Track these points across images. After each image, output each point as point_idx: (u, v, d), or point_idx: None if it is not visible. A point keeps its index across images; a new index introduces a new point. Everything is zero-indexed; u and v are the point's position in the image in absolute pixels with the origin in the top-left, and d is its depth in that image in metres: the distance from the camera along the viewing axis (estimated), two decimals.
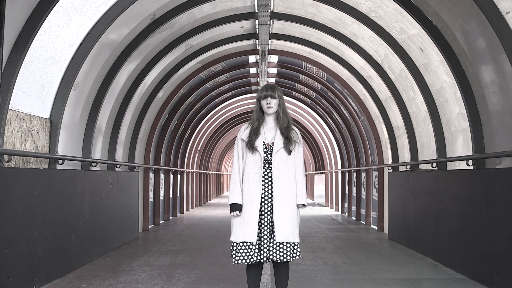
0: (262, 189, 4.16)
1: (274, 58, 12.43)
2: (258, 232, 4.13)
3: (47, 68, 5.87)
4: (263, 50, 11.03)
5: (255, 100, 18.03)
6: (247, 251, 4.11)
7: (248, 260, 4.11)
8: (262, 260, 4.13)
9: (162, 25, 7.83)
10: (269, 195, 4.17)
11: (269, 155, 4.19)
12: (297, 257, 4.19)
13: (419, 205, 7.79)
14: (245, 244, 4.13)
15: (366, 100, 10.99)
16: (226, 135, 24.13)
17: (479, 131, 6.03)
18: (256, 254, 4.12)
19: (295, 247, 4.17)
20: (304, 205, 4.24)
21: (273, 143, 4.21)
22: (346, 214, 14.83)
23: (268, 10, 8.68)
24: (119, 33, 7.20)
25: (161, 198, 12.50)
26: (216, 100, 15.20)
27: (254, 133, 4.23)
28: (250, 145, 4.19)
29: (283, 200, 4.14)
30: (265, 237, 4.13)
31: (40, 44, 5.50)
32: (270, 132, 4.26)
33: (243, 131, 4.29)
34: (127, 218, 8.71)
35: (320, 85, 13.20)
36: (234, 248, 4.17)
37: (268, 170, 4.18)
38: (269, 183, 4.17)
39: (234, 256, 4.15)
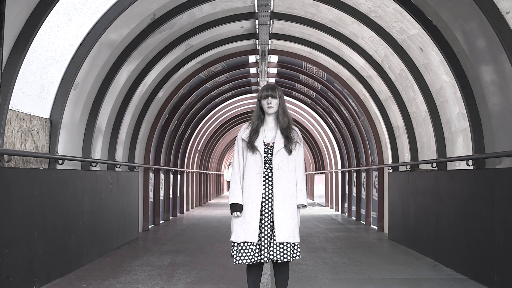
0: (263, 189, 4.16)
1: (274, 58, 12.43)
2: (258, 232, 4.13)
3: (47, 68, 5.87)
4: (263, 50, 11.03)
5: (255, 100, 17.99)
6: (248, 251, 4.11)
7: (249, 260, 4.11)
8: (262, 261, 4.13)
9: (162, 25, 7.83)
10: (270, 195, 4.17)
11: (269, 155, 4.20)
12: (297, 257, 4.20)
13: (419, 205, 7.79)
14: (246, 244, 4.13)
15: (366, 100, 10.99)
16: (226, 135, 24.12)
17: (479, 131, 6.03)
18: (256, 254, 4.12)
19: (295, 247, 4.18)
20: (305, 206, 4.24)
21: (273, 143, 4.21)
22: (346, 214, 14.83)
23: (268, 10, 8.68)
24: (119, 33, 7.20)
25: (161, 198, 12.50)
26: (216, 100, 15.20)
27: (255, 133, 4.23)
28: (251, 145, 4.19)
29: (283, 200, 4.14)
30: (266, 237, 4.13)
31: (40, 44, 5.50)
32: (270, 132, 4.26)
33: (244, 131, 4.29)
34: (127, 218, 8.71)
35: (320, 85, 13.21)
36: (235, 248, 4.17)
37: (268, 170, 4.18)
38: (270, 183, 4.17)
39: (235, 256, 4.15)
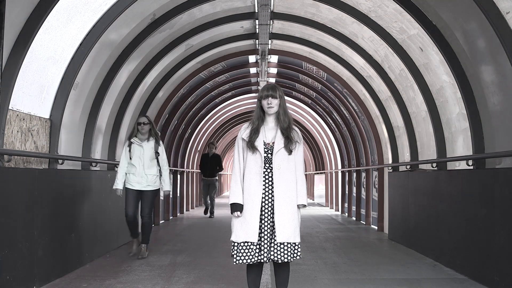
0: (263, 189, 4.16)
1: (274, 58, 12.43)
2: (258, 232, 4.13)
3: (47, 68, 5.87)
4: (263, 50, 11.03)
5: (255, 100, 17.89)
6: (248, 251, 4.12)
7: (249, 260, 4.11)
8: (262, 261, 4.14)
9: (162, 25, 7.83)
10: (270, 195, 4.17)
11: (269, 155, 4.20)
12: (298, 257, 4.20)
13: (419, 205, 7.79)
14: (246, 244, 4.14)
15: (366, 100, 10.99)
16: (226, 135, 24.12)
17: (479, 131, 6.03)
18: (257, 254, 4.12)
19: (296, 247, 4.18)
20: (305, 205, 4.25)
21: (273, 143, 4.21)
22: (346, 214, 14.83)
23: (268, 10, 8.68)
24: (119, 33, 7.20)
25: (161, 198, 12.49)
26: (216, 100, 15.21)
27: (255, 132, 4.23)
28: (251, 144, 4.19)
29: (284, 201, 4.14)
30: (266, 237, 4.13)
31: (40, 44, 5.50)
32: (270, 132, 4.26)
33: (244, 131, 4.29)
34: None
35: (320, 85, 13.21)
36: (235, 248, 4.17)
37: (268, 170, 4.19)
38: (270, 183, 4.18)
39: (235, 256, 4.15)
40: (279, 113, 4.27)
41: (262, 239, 4.13)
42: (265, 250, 4.12)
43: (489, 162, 5.86)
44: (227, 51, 11.27)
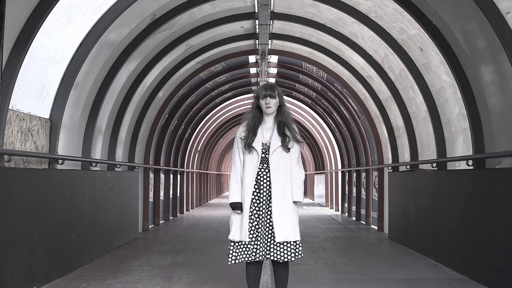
0: (260, 188, 4.15)
1: (274, 58, 12.43)
2: (253, 231, 4.11)
3: (47, 68, 5.86)
4: (263, 50, 11.03)
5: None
6: (242, 250, 4.11)
7: (242, 259, 4.10)
8: (258, 259, 4.11)
9: (162, 25, 7.83)
10: (267, 195, 4.15)
11: (267, 155, 4.18)
12: (299, 256, 4.17)
13: (419, 205, 7.79)
14: (240, 243, 4.14)
15: (366, 100, 10.99)
16: (226, 135, 24.12)
17: (479, 131, 6.03)
18: (250, 253, 4.11)
19: (297, 245, 4.16)
20: (300, 201, 4.22)
21: (270, 142, 4.19)
22: (346, 214, 14.83)
23: (268, 10, 8.68)
24: (119, 33, 7.20)
25: (161, 198, 12.50)
26: (216, 100, 15.21)
27: (253, 133, 4.21)
28: (248, 145, 4.18)
29: (281, 200, 4.13)
30: (262, 236, 4.11)
31: (40, 44, 5.50)
32: (268, 131, 4.24)
33: (242, 130, 4.28)
34: (127, 218, 8.70)
35: (320, 85, 13.21)
36: (231, 246, 4.17)
37: (267, 170, 4.17)
38: (268, 182, 4.16)
39: (229, 255, 4.15)
40: (277, 112, 4.26)
41: (259, 238, 4.12)
42: (261, 249, 4.10)
43: (489, 162, 5.86)
44: (227, 51, 11.27)
